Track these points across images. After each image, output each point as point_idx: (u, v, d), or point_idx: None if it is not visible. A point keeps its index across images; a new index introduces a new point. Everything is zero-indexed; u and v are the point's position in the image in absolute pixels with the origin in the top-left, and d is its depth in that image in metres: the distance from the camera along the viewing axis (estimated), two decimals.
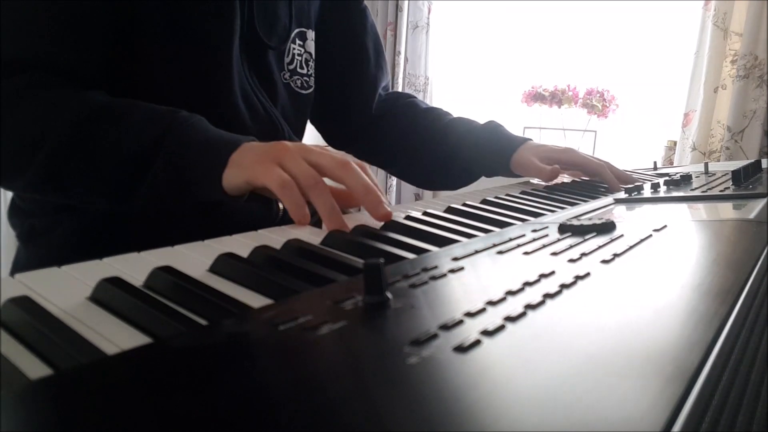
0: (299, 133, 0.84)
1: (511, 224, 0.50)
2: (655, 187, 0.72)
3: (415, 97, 0.96)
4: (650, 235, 0.40)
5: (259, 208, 0.72)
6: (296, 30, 0.76)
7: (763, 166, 0.94)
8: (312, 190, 0.49)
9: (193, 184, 0.53)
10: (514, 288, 0.27)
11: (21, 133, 0.54)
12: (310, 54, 0.80)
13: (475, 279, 0.30)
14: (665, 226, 0.43)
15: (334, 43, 0.84)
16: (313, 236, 0.44)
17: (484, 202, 0.62)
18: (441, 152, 0.87)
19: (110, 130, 0.53)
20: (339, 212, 0.49)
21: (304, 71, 0.79)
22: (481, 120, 0.89)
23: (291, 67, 0.76)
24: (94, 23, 0.58)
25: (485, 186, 0.81)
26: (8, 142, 0.54)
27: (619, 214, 0.54)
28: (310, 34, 0.80)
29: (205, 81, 0.66)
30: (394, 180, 2.83)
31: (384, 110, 0.91)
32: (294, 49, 0.76)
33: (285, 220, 0.75)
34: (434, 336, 0.21)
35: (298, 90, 0.78)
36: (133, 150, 0.52)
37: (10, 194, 0.71)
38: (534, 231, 0.43)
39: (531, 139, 0.85)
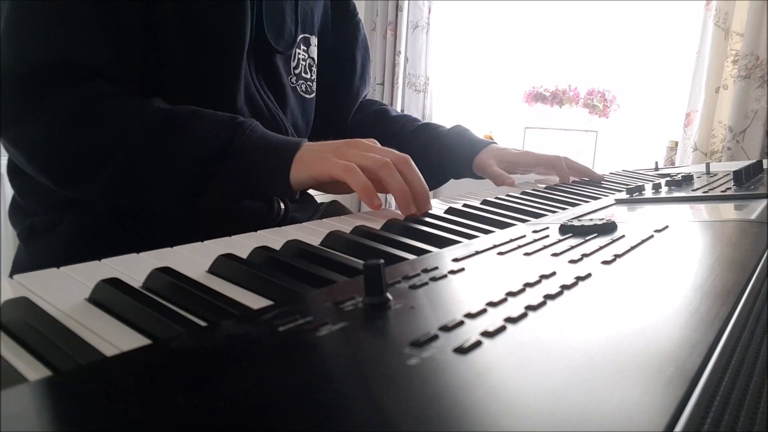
0: (305, 138, 0.85)
1: (511, 225, 0.50)
2: (656, 187, 0.72)
3: (386, 105, 1.00)
4: (651, 236, 0.40)
5: (259, 209, 0.72)
6: (301, 35, 0.77)
7: (765, 166, 0.93)
8: (381, 170, 0.52)
9: (261, 183, 0.56)
10: (515, 289, 0.27)
11: (92, 142, 0.56)
12: (313, 59, 0.81)
13: (475, 280, 0.30)
14: (667, 227, 0.43)
15: (327, 52, 0.85)
16: (312, 237, 0.44)
17: (485, 202, 0.62)
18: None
19: (179, 137, 0.56)
20: (409, 193, 0.53)
21: (308, 76, 0.80)
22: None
23: (297, 71, 0.78)
24: (131, 28, 0.60)
25: (485, 186, 0.82)
26: (80, 151, 0.56)
27: (621, 215, 0.54)
28: (314, 40, 0.81)
29: (211, 82, 0.66)
30: None
31: (357, 118, 0.95)
32: (299, 54, 0.78)
33: (285, 220, 0.76)
34: (434, 337, 0.21)
35: (304, 94, 0.79)
36: (203, 154, 0.56)
37: (10, 194, 0.71)
38: (535, 232, 0.43)
39: (494, 143, 0.89)
